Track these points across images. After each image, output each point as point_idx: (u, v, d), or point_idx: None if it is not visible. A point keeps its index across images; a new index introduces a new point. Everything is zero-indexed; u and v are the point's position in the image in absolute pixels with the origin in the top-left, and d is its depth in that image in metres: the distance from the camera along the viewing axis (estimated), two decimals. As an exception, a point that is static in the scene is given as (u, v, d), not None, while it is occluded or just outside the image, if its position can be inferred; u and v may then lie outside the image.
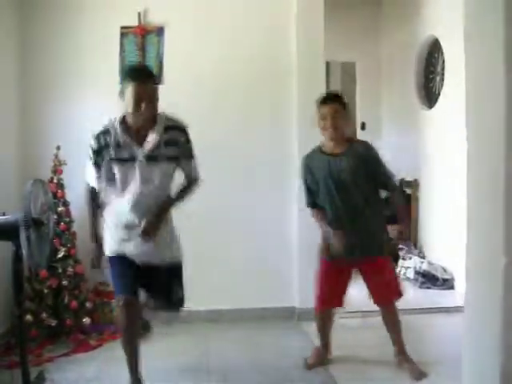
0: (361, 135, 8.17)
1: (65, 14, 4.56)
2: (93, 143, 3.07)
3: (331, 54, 5.58)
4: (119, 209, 3.12)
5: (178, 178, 3.24)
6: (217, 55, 4.61)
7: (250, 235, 4.60)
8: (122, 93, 2.99)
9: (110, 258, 3.21)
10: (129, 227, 3.12)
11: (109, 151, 3.03)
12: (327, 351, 3.78)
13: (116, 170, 3.04)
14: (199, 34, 4.62)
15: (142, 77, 2.98)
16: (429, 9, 6.19)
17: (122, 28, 4.62)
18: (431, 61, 6.39)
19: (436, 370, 3.55)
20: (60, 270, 4.19)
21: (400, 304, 4.92)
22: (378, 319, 4.61)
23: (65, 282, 4.18)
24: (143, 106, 2.93)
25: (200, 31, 4.63)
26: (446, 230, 5.70)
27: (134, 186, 3.05)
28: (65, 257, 4.24)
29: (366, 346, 4.07)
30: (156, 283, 3.27)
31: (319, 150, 3.55)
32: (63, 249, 4.24)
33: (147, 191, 3.06)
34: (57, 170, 4.32)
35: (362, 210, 3.48)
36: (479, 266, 2.62)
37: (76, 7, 4.58)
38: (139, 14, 4.59)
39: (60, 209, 4.26)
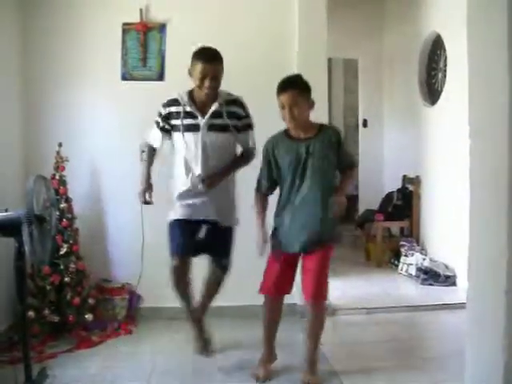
0: (363, 132, 8.20)
1: (66, 11, 4.56)
2: (162, 109, 3.54)
3: (333, 50, 5.59)
4: (183, 175, 3.52)
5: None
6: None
7: (250, 232, 4.59)
8: (190, 70, 3.44)
9: (171, 222, 3.56)
10: (191, 193, 3.50)
11: (176, 118, 3.49)
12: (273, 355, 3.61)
13: (182, 136, 3.48)
14: (201, 30, 4.61)
15: (208, 57, 3.41)
16: (431, 5, 6.18)
17: (124, 24, 4.61)
18: (433, 57, 6.37)
19: (438, 367, 3.55)
20: (62, 267, 4.19)
21: (403, 301, 4.96)
22: (382, 316, 4.64)
23: (67, 279, 4.18)
24: (207, 82, 3.36)
25: (202, 28, 4.62)
26: (448, 227, 5.69)
27: (198, 153, 3.44)
28: (67, 253, 4.23)
29: (370, 342, 4.07)
30: (212, 241, 3.58)
31: (285, 134, 3.35)
32: (65, 245, 4.23)
33: (210, 158, 3.46)
34: (59, 167, 4.32)
35: (321, 199, 3.24)
36: (482, 262, 2.62)
37: (78, 4, 4.57)
38: (141, 10, 4.58)
39: (62, 205, 4.26)
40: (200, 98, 3.46)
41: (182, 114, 3.46)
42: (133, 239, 4.51)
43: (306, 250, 3.31)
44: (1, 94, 4.17)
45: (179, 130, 3.49)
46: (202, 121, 3.43)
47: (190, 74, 3.45)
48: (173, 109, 3.50)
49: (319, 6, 4.66)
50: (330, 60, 8.60)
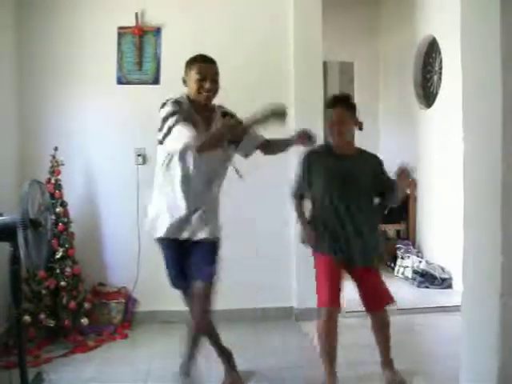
0: (358, 135, 8.18)
1: (62, 16, 4.56)
2: (170, 106, 3.05)
3: (329, 53, 5.58)
4: (177, 192, 3.17)
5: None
6: (214, 56, 4.58)
7: (248, 236, 4.60)
8: (185, 78, 3.18)
9: (159, 240, 3.30)
10: (182, 211, 3.16)
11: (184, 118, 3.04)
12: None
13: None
14: (196, 34, 4.62)
15: (206, 59, 3.18)
16: (426, 8, 6.19)
17: (120, 28, 4.62)
18: (429, 60, 6.39)
19: (434, 370, 3.56)
20: (58, 271, 4.19)
21: (399, 303, 4.95)
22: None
23: (63, 283, 4.18)
24: (207, 84, 3.09)
25: (197, 31, 4.63)
26: (444, 230, 5.70)
27: (196, 167, 3.12)
28: (63, 257, 4.23)
29: (365, 345, 4.06)
30: (194, 257, 3.29)
31: (329, 149, 3.44)
32: (61, 249, 4.23)
33: (206, 176, 3.17)
34: (54, 171, 4.31)
35: (361, 216, 3.33)
36: (476, 264, 2.62)
37: (74, 8, 4.58)
38: (136, 14, 4.59)
39: (58, 209, 4.25)
40: (199, 108, 3.14)
41: (189, 118, 3.02)
42: (129, 243, 4.51)
43: None
44: (-4, 98, 4.18)
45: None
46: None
47: (185, 81, 3.18)
48: (180, 106, 3.06)
49: (314, 9, 4.67)
50: (325, 63, 8.58)
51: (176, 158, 3.12)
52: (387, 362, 3.42)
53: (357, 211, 3.32)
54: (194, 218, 3.19)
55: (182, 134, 2.94)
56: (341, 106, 3.38)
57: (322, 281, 3.30)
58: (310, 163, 3.41)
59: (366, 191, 3.39)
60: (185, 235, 3.21)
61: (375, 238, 3.43)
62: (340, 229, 3.30)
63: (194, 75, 3.12)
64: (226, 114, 3.27)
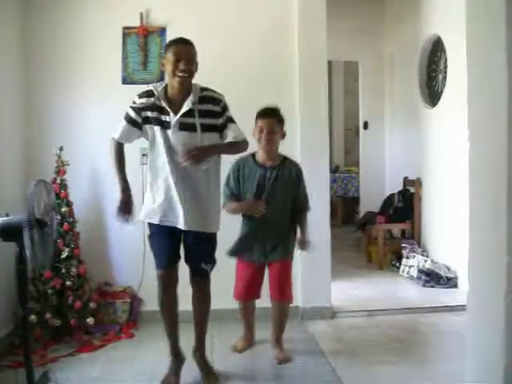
0: (364, 134, 8.21)
1: (67, 15, 4.57)
2: (136, 100, 3.25)
3: (334, 53, 5.59)
4: (159, 176, 3.28)
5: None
6: (218, 55, 4.61)
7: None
8: (164, 62, 3.21)
9: (150, 226, 3.38)
10: (168, 195, 3.25)
11: (149, 112, 3.21)
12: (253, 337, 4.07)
13: (155, 132, 3.23)
14: (201, 34, 4.60)
15: (181, 40, 3.19)
16: (431, 7, 6.18)
17: (125, 28, 4.63)
18: (434, 59, 6.38)
19: (439, 369, 3.55)
20: (64, 271, 4.20)
21: (404, 303, 4.96)
22: (384, 318, 4.64)
23: (68, 283, 4.19)
24: (182, 65, 3.10)
25: (202, 31, 4.62)
26: (449, 229, 5.69)
27: (171, 154, 3.20)
28: (68, 257, 4.24)
29: (371, 344, 4.07)
30: (189, 247, 3.39)
31: (252, 159, 3.75)
32: (67, 249, 4.24)
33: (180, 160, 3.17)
34: (60, 171, 4.33)
35: (279, 222, 3.73)
36: (482, 264, 2.62)
37: (78, 8, 4.58)
38: (141, 14, 4.60)
39: (63, 209, 4.27)
40: (173, 92, 3.19)
41: (154, 109, 3.19)
42: (134, 242, 4.51)
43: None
44: (1, 97, 4.18)
45: (155, 124, 3.21)
46: (173, 118, 3.16)
47: (164, 66, 3.22)
48: (149, 100, 3.21)
49: (319, 8, 4.66)
50: (330, 63, 8.62)
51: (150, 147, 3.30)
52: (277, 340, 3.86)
53: (273, 220, 3.72)
54: (183, 205, 3.23)
55: (120, 129, 3.32)
56: (273, 117, 3.68)
57: None
58: (235, 173, 3.78)
59: (283, 200, 3.76)
60: (175, 222, 3.27)
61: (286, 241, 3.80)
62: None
63: (169, 57, 3.14)
64: (204, 98, 3.22)
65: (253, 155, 3.75)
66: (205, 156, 3.20)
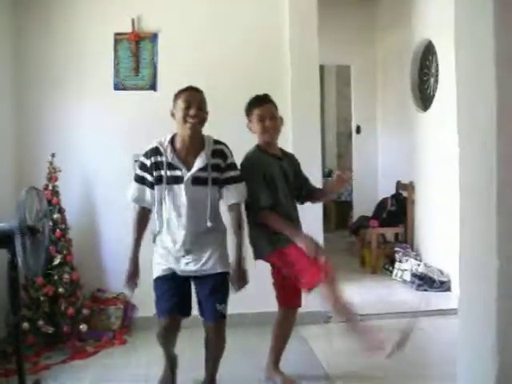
0: (356, 138, 8.22)
1: (59, 21, 4.58)
2: (143, 160, 3.11)
3: (325, 57, 5.59)
4: (168, 232, 3.15)
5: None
6: (211, 60, 4.61)
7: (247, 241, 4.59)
8: (173, 110, 3.09)
9: (157, 279, 3.23)
10: (178, 251, 3.13)
11: (159, 170, 3.06)
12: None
13: (165, 190, 3.06)
14: (193, 39, 4.63)
15: (192, 87, 3.11)
16: (422, 11, 6.21)
17: (116, 34, 4.63)
18: (425, 63, 6.41)
19: (432, 373, 3.56)
20: (56, 277, 4.19)
21: (397, 307, 4.96)
22: (377, 322, 4.63)
23: (61, 290, 4.18)
24: (192, 111, 3.00)
25: (194, 37, 4.64)
26: (442, 232, 5.70)
27: (183, 209, 3.06)
28: (61, 264, 4.23)
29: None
30: (201, 292, 3.22)
31: (264, 151, 3.38)
32: (59, 256, 4.23)
33: (196, 215, 3.07)
34: (52, 177, 4.32)
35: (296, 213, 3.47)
36: (473, 268, 2.63)
37: (70, 14, 4.59)
38: (133, 20, 4.60)
39: (55, 216, 4.26)
40: (183, 143, 3.07)
41: (163, 166, 3.04)
42: (127, 249, 4.49)
43: None
44: (-7, 105, 4.18)
45: (165, 183, 3.06)
46: (185, 173, 3.03)
47: (173, 114, 3.10)
48: (158, 159, 3.07)
49: (310, 12, 4.68)
50: (322, 67, 8.62)
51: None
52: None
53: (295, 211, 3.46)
54: (190, 252, 3.12)
55: (134, 193, 3.18)
56: (268, 103, 3.37)
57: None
58: (261, 166, 3.33)
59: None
60: (183, 267, 3.15)
61: None
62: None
63: (180, 104, 3.04)
64: (216, 152, 3.11)
65: (258, 149, 3.40)
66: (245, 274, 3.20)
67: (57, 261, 4.22)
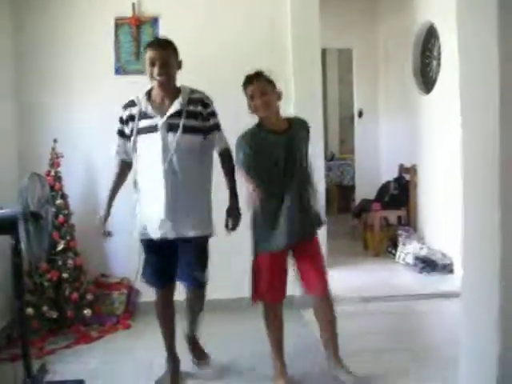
0: (358, 122, 8.20)
1: (59, 7, 4.56)
2: (120, 113, 3.23)
3: (327, 40, 5.57)
4: (147, 184, 3.21)
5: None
6: (212, 44, 4.60)
7: (246, 227, 4.60)
8: (145, 66, 3.15)
9: (141, 241, 3.34)
10: (158, 201, 3.14)
11: (134, 122, 3.15)
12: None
13: (142, 140, 3.15)
14: (194, 23, 4.61)
15: (155, 43, 3.19)
16: (424, -6, 6.17)
17: (117, 19, 4.61)
18: (427, 46, 6.37)
19: (434, 355, 3.57)
20: (60, 263, 4.21)
21: (400, 290, 4.98)
22: (379, 305, 4.65)
23: (65, 275, 4.20)
24: (155, 69, 3.07)
25: (195, 21, 4.62)
26: (445, 216, 5.70)
27: (160, 158, 3.09)
28: (64, 249, 4.25)
29: (367, 332, 4.09)
30: (182, 256, 3.26)
31: (262, 129, 3.29)
32: (62, 241, 4.25)
33: (175, 163, 3.10)
34: (54, 163, 4.32)
35: (303, 190, 3.31)
36: (476, 251, 2.63)
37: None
38: (133, 4, 4.58)
39: (58, 201, 4.26)
40: (158, 94, 3.16)
41: (139, 117, 3.13)
42: (130, 234, 4.51)
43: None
44: (-6, 91, 4.18)
45: (140, 133, 3.14)
46: (160, 121, 3.10)
47: (146, 70, 3.16)
48: (129, 112, 3.18)
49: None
50: (324, 50, 8.59)
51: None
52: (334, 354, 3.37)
53: (298, 189, 3.28)
54: (172, 212, 3.13)
55: (115, 146, 3.29)
56: (258, 80, 3.29)
57: None
58: (250, 147, 3.24)
59: (303, 165, 3.33)
60: (164, 234, 3.17)
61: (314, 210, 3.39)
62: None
63: (146, 60, 3.12)
64: (193, 100, 3.16)
65: (256, 125, 3.32)
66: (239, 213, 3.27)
67: (60, 246, 4.23)
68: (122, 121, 3.22)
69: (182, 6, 4.65)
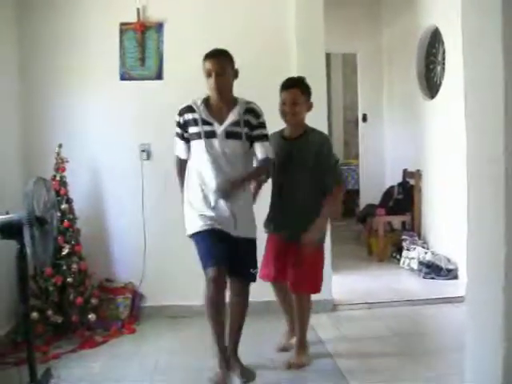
0: (363, 127, 8.20)
1: (64, 12, 4.56)
2: (177, 118, 3.38)
3: (332, 45, 5.57)
4: (197, 186, 3.33)
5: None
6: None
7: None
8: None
9: (194, 234, 3.34)
10: (209, 201, 3.30)
11: (191, 127, 3.32)
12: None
13: (198, 145, 3.32)
14: (198, 29, 4.61)
15: (212, 53, 3.32)
16: (429, -2, 6.18)
17: (122, 24, 4.62)
18: (432, 51, 6.37)
19: (440, 361, 3.56)
20: (65, 267, 4.20)
21: (405, 295, 4.97)
22: (384, 310, 4.64)
23: (70, 279, 4.19)
24: (211, 80, 3.24)
25: (199, 26, 4.63)
26: (449, 220, 5.69)
27: (213, 161, 3.27)
28: (69, 254, 4.25)
29: (372, 337, 4.08)
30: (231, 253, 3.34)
31: (279, 134, 3.64)
32: (67, 246, 4.24)
33: (227, 167, 3.29)
34: (59, 168, 4.33)
35: (304, 197, 3.52)
36: (480, 256, 2.62)
37: (75, 5, 4.58)
38: (138, 10, 4.59)
39: (63, 206, 4.27)
40: (216, 102, 3.33)
41: (196, 122, 3.31)
42: (135, 238, 4.53)
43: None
44: (0, 95, 4.18)
45: (199, 137, 3.31)
46: (218, 128, 3.28)
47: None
48: (189, 116, 3.33)
49: (316, 1, 4.65)
50: (328, 55, 8.59)
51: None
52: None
53: (297, 194, 3.55)
54: (232, 214, 3.30)
55: (176, 147, 3.46)
56: (293, 88, 3.51)
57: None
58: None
59: (307, 174, 3.53)
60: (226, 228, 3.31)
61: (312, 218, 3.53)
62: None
63: (204, 71, 3.29)
64: (248, 110, 3.34)
65: (281, 131, 3.66)
66: (236, 187, 3.31)
67: (65, 251, 4.23)
68: (178, 124, 3.39)
69: (187, 12, 4.66)
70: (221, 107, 3.32)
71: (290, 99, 3.49)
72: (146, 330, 4.37)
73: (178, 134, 3.42)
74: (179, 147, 3.45)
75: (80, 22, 4.58)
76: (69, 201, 4.35)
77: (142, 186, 4.53)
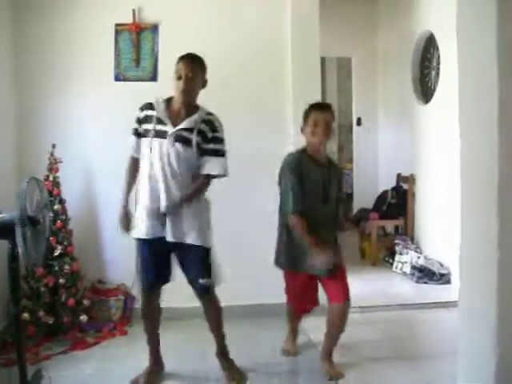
0: (357, 131, 8.21)
1: (59, 13, 4.55)
2: (138, 113, 3.37)
3: (327, 49, 5.57)
4: (146, 186, 3.31)
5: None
6: (211, 52, 4.58)
7: (245, 231, 4.60)
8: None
9: (136, 239, 3.40)
10: (153, 205, 3.26)
11: (146, 123, 3.30)
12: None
13: (149, 143, 3.26)
14: (194, 30, 4.61)
15: (187, 56, 3.29)
16: (424, 3, 6.19)
17: (117, 25, 4.61)
18: (427, 56, 6.39)
19: (432, 365, 3.57)
20: (57, 268, 4.19)
21: (397, 299, 4.97)
22: (377, 314, 4.64)
23: (62, 280, 4.18)
24: (181, 83, 3.21)
25: (195, 28, 4.62)
26: (442, 225, 5.71)
27: (161, 162, 3.22)
28: (61, 255, 4.23)
29: (364, 341, 4.08)
30: (182, 263, 3.38)
31: (307, 156, 3.47)
32: (60, 247, 4.23)
33: (173, 169, 3.22)
34: (52, 168, 4.32)
35: (333, 225, 3.55)
36: (473, 260, 2.63)
37: (70, 5, 4.57)
38: (134, 11, 4.58)
39: (56, 207, 4.26)
40: (177, 105, 3.30)
41: (154, 119, 3.27)
42: (127, 240, 4.49)
43: None
44: (-7, 95, 4.18)
45: (149, 135, 3.26)
46: (170, 129, 3.22)
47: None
48: (147, 112, 3.32)
49: (311, 4, 4.66)
50: (323, 59, 8.60)
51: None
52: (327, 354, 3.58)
53: (328, 222, 3.53)
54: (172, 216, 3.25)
55: (129, 143, 3.42)
56: (327, 112, 3.47)
57: None
58: (298, 169, 3.41)
59: (334, 202, 3.55)
60: (168, 237, 3.27)
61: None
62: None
63: (175, 72, 3.27)
64: (206, 121, 3.28)
65: (303, 152, 3.49)
66: (179, 209, 3.26)
67: (57, 252, 4.21)
68: (137, 120, 3.36)
69: (183, 13, 4.66)
70: (180, 111, 3.29)
71: (325, 121, 3.41)
72: (138, 331, 4.29)
73: (133, 129, 3.39)
74: (130, 143, 3.42)
75: (75, 22, 4.57)
76: (62, 201, 4.34)
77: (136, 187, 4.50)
